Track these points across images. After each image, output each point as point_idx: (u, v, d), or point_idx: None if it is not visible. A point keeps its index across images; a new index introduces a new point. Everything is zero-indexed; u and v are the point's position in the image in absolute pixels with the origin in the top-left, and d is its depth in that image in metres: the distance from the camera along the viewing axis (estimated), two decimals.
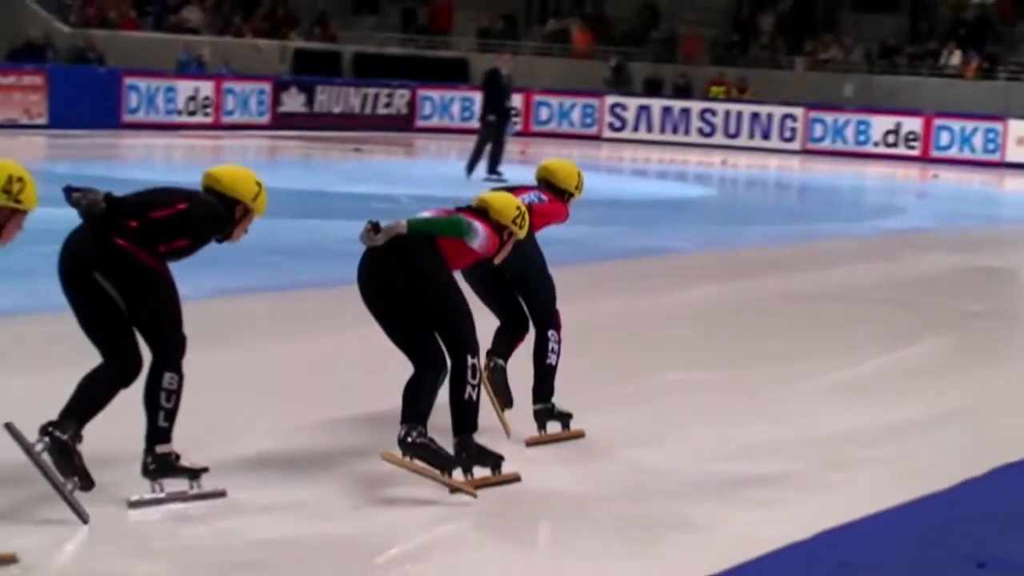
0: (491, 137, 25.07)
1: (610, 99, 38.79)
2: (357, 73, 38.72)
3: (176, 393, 6.59)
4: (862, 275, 16.65)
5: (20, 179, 6.16)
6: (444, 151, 33.60)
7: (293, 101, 35.64)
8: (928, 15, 41.65)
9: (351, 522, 6.71)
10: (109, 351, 6.59)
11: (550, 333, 8.28)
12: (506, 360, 8.28)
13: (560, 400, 8.30)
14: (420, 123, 37.89)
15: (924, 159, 35.95)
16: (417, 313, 7.14)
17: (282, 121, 35.00)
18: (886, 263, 18.04)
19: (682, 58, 41.42)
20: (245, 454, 7.51)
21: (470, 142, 26.42)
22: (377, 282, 7.18)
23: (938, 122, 36.33)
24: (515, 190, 8.17)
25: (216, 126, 33.64)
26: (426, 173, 27.79)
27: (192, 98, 33.53)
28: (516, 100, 32.28)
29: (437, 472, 7.07)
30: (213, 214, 6.78)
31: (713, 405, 9.43)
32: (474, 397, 7.15)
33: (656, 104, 38.79)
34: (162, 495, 6.66)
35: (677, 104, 38.73)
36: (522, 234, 7.55)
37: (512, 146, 27.54)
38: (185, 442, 6.72)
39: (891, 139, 36.71)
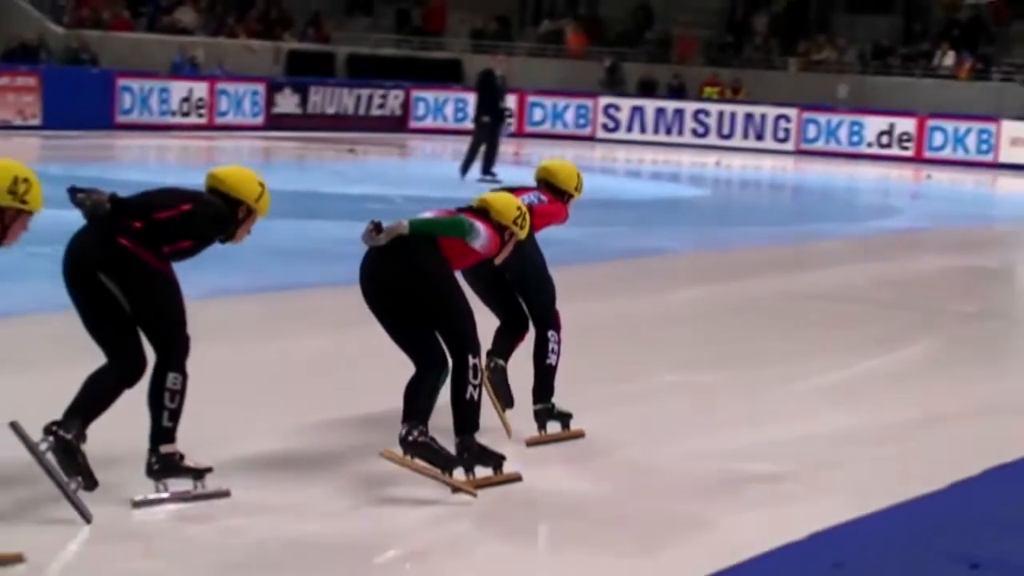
0: (485, 138, 25.07)
1: (604, 100, 38.83)
2: (351, 74, 38.73)
3: (180, 393, 6.61)
4: (856, 276, 16.68)
5: (26, 180, 6.18)
6: (438, 152, 33.60)
7: (287, 102, 35.65)
8: (921, 16, 41.71)
9: (353, 522, 6.73)
10: (113, 351, 6.60)
11: (550, 333, 8.31)
12: (506, 360, 8.30)
13: (560, 400, 8.33)
14: (414, 124, 37.92)
15: (918, 160, 35.99)
16: (419, 313, 7.17)
17: (276, 122, 35.02)
18: (880, 264, 18.08)
19: (676, 59, 41.45)
20: (246, 454, 7.52)
21: (464, 143, 26.42)
22: (379, 282, 7.20)
23: (931, 123, 36.38)
24: (515, 191, 8.19)
25: (210, 127, 33.66)
26: (420, 174, 27.80)
27: (186, 99, 33.54)
28: (510, 101, 32.32)
29: (438, 471, 7.09)
30: (217, 215, 6.80)
31: (712, 405, 9.46)
32: (475, 397, 7.17)
33: (650, 105, 38.82)
34: (166, 495, 6.67)
35: (671, 105, 38.76)
36: (523, 234, 7.57)
37: (506, 147, 27.55)
38: (186, 442, 6.73)
39: (885, 140, 36.76)
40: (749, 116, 37.95)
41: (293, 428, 8.19)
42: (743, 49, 41.97)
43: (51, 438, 6.41)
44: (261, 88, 35.14)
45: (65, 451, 6.40)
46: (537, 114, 38.62)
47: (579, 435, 8.33)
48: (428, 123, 37.98)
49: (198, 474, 6.74)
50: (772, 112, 37.72)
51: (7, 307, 11.29)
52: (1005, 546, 6.81)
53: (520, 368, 8.34)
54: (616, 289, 14.59)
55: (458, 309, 7.18)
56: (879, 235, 21.33)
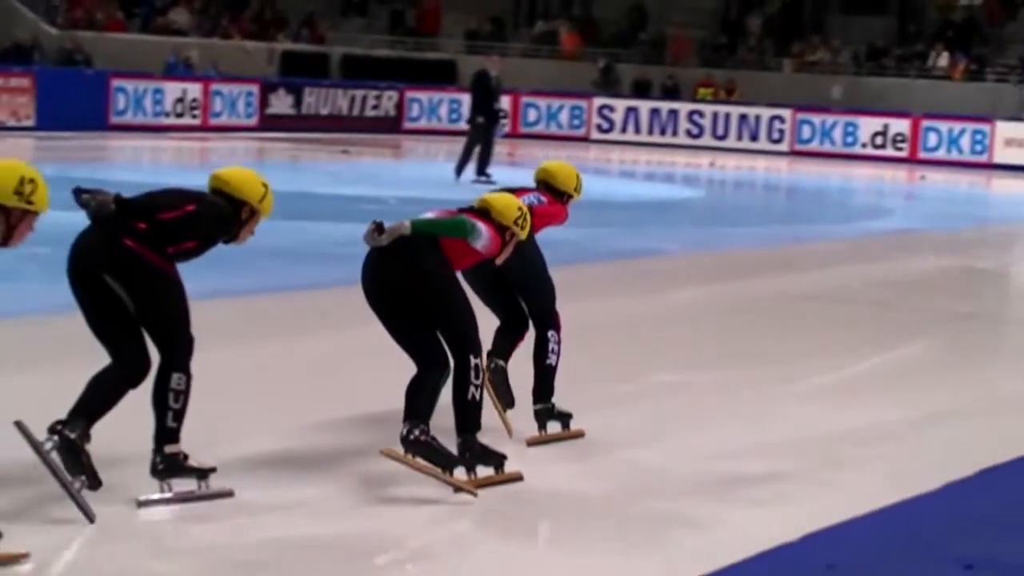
0: (480, 139, 25.09)
1: (598, 101, 38.87)
2: (345, 75, 38.75)
3: (184, 393, 6.63)
4: (850, 276, 16.70)
5: (32, 181, 6.19)
6: (432, 153, 33.61)
7: (281, 103, 35.66)
8: (916, 17, 41.77)
9: (354, 521, 6.74)
10: (118, 352, 6.62)
11: (550, 334, 8.34)
12: (506, 361, 8.33)
13: (560, 400, 8.35)
14: (408, 125, 37.94)
15: (912, 160, 36.06)
16: (420, 313, 7.20)
17: (270, 123, 35.03)
18: (874, 264, 18.12)
19: (670, 60, 41.51)
20: (246, 454, 7.54)
21: (458, 144, 26.43)
22: (381, 282, 7.23)
23: (926, 123, 36.44)
24: (515, 192, 8.22)
25: (204, 128, 33.67)
26: (414, 175, 27.81)
27: (180, 100, 33.55)
28: (504, 102, 32.33)
29: (438, 471, 7.11)
30: (221, 216, 6.83)
31: (711, 405, 9.49)
32: (477, 397, 7.20)
33: (644, 106, 38.88)
34: (170, 495, 6.69)
35: (665, 106, 38.81)
36: (524, 235, 7.60)
37: (501, 148, 27.57)
38: (187, 442, 6.75)
39: (879, 140, 36.81)
40: (743, 117, 38.00)
41: (294, 428, 8.21)
42: (737, 50, 42.03)
43: (56, 437, 6.42)
44: (255, 89, 35.15)
45: (69, 451, 6.42)
46: (531, 115, 38.67)
47: (579, 435, 8.36)
48: (422, 124, 38.00)
49: (202, 474, 6.75)
50: (766, 113, 37.77)
51: (7, 307, 11.31)
52: (999, 547, 6.82)
53: (520, 368, 8.37)
54: (614, 289, 14.63)
55: (460, 309, 7.21)
56: (873, 236, 21.37)
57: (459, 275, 7.46)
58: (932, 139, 36.34)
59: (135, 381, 6.63)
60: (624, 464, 7.96)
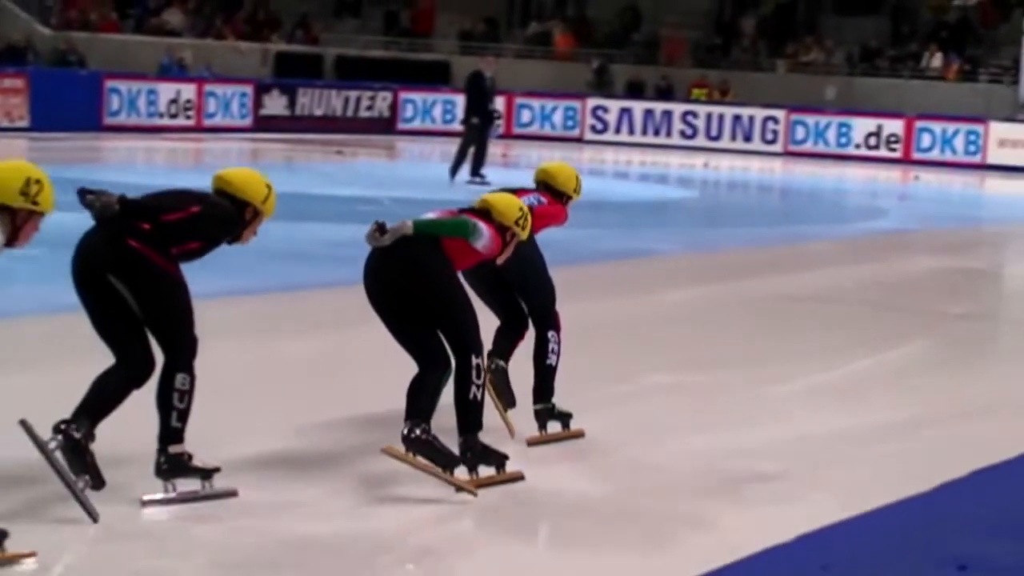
0: (474, 140, 25.07)
1: (592, 101, 38.88)
2: (339, 76, 38.77)
3: (188, 394, 6.65)
4: (844, 277, 16.73)
5: (38, 181, 6.21)
6: (426, 154, 33.59)
7: (275, 104, 35.66)
8: (909, 17, 41.81)
9: (355, 521, 6.76)
10: (122, 352, 6.64)
11: (550, 334, 8.36)
12: (507, 361, 8.36)
13: (560, 400, 8.38)
14: (402, 126, 37.94)
15: (905, 161, 36.07)
16: (422, 313, 7.22)
17: (264, 124, 35.02)
18: (868, 265, 18.14)
19: (664, 60, 41.53)
20: (247, 454, 7.55)
21: (452, 145, 26.41)
22: (383, 282, 7.25)
23: (919, 124, 36.48)
24: (515, 192, 8.25)
25: (198, 129, 33.67)
26: (408, 176, 27.82)
27: (174, 101, 33.55)
28: (498, 103, 32.29)
29: (439, 470, 7.13)
30: (225, 216, 6.85)
31: (709, 405, 9.51)
32: (479, 397, 7.23)
33: (638, 106, 38.88)
34: (174, 495, 6.71)
35: (659, 106, 38.81)
36: (524, 235, 7.63)
37: (495, 149, 27.57)
38: (190, 442, 6.76)
39: (872, 141, 36.84)
40: (737, 118, 38.02)
41: (295, 428, 8.23)
42: (731, 51, 42.05)
43: (60, 437, 6.44)
44: (249, 90, 35.15)
45: (74, 450, 6.43)
46: (525, 115, 38.66)
47: (579, 435, 8.39)
48: (416, 125, 38.01)
49: (206, 474, 6.78)
50: (760, 113, 37.79)
51: (7, 307, 11.33)
52: (993, 547, 6.84)
53: (520, 368, 8.40)
54: (613, 290, 14.66)
55: (461, 309, 7.24)
56: (867, 236, 21.39)
57: (460, 275, 7.50)
58: (926, 140, 36.38)
59: (139, 381, 6.65)
60: (624, 464, 8.00)
